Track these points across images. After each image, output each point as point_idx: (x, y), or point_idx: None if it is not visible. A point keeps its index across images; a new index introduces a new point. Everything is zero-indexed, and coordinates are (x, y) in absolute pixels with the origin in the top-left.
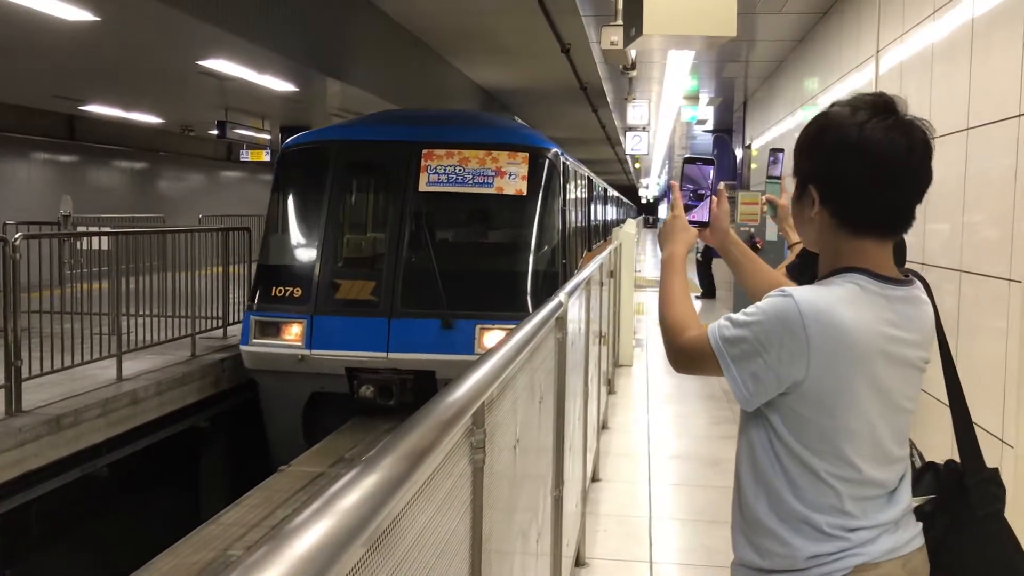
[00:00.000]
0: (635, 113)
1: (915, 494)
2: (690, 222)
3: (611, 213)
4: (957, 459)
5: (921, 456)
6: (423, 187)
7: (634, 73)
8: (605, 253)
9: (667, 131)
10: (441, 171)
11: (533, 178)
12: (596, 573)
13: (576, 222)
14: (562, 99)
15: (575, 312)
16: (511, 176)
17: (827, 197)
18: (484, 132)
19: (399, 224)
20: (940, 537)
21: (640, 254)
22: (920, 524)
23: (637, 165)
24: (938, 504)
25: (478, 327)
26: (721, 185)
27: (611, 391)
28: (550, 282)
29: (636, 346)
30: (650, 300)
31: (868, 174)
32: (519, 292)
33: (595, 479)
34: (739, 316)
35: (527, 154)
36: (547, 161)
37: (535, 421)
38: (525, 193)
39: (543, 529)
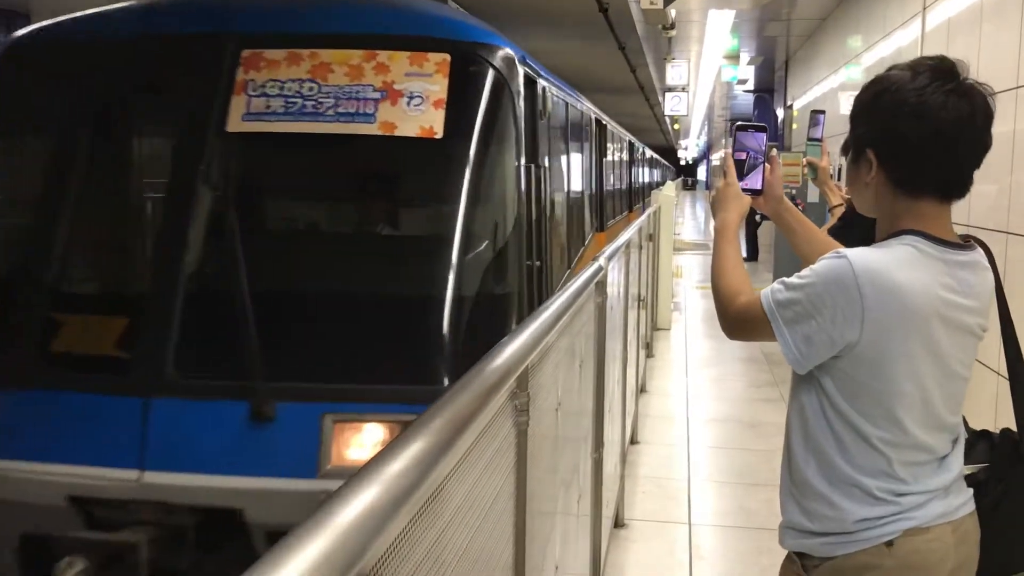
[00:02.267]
0: (674, 73)
1: (968, 462)
2: (744, 189)
3: (642, 175)
4: (1005, 426)
5: (966, 422)
6: (236, 125)
7: (673, 33)
8: (635, 225)
9: (707, 91)
10: (275, 92)
11: (460, 105)
12: (635, 534)
13: (566, 194)
14: (599, 60)
15: (614, 276)
16: (414, 101)
17: (885, 160)
18: (364, 17)
19: (184, 201)
20: (993, 505)
21: (679, 217)
22: (971, 491)
23: (676, 126)
24: (992, 472)
25: (328, 419)
26: (774, 152)
27: (649, 355)
28: (496, 317)
29: (674, 310)
30: (688, 263)
31: (927, 138)
32: (423, 345)
33: (634, 442)
34: (792, 279)
35: (447, 57)
36: (493, 73)
37: (575, 384)
38: (441, 135)
39: (583, 491)
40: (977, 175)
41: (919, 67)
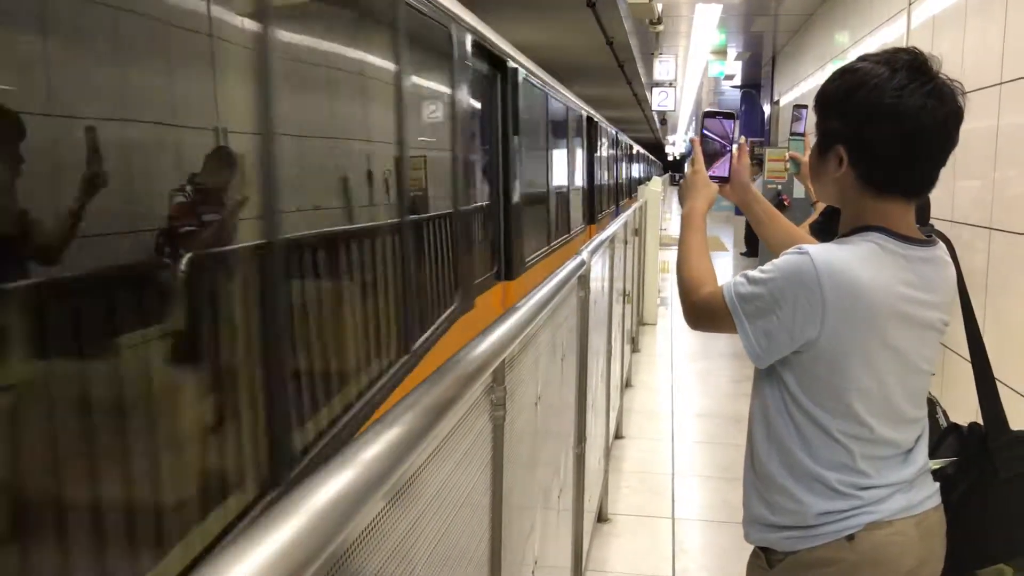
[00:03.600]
0: (662, 69)
1: (938, 456)
2: (711, 177)
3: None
4: (973, 420)
5: (946, 415)
6: None
7: (660, 28)
8: (620, 220)
9: (694, 87)
10: None
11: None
12: (619, 528)
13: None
14: (588, 54)
15: (598, 270)
16: None
17: (856, 159)
18: None
19: None
20: (962, 499)
21: (666, 212)
22: (936, 484)
23: (664, 121)
24: (960, 466)
25: None
26: (742, 139)
27: (635, 349)
28: None
29: (661, 304)
30: (675, 258)
31: (903, 141)
32: None
33: (619, 436)
34: (755, 273)
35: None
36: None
37: (557, 378)
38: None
39: (565, 485)
40: (960, 171)
41: (895, 63)
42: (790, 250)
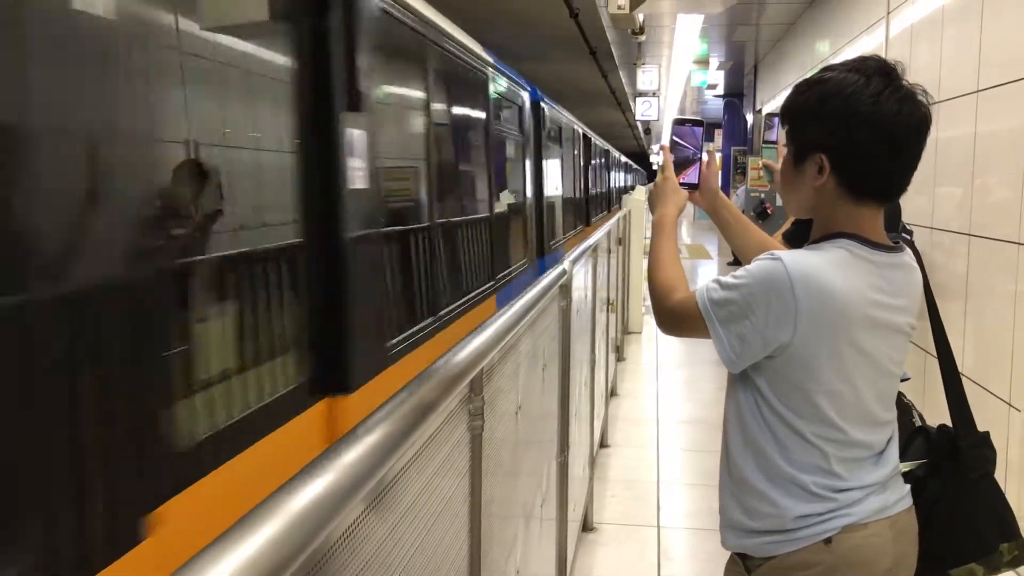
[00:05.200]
0: (645, 78)
1: (906, 458)
2: (681, 184)
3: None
4: (941, 422)
5: (922, 417)
6: None
7: (643, 38)
8: (603, 229)
9: (677, 96)
10: None
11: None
12: (604, 537)
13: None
14: (571, 64)
15: (581, 279)
16: None
17: (838, 166)
18: None
19: None
20: (933, 499)
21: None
22: (907, 486)
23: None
24: (930, 468)
25: None
26: (710, 146)
27: (620, 358)
28: None
29: (646, 313)
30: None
31: (882, 146)
32: None
33: (604, 445)
34: (727, 279)
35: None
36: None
37: (538, 388)
38: None
39: (548, 494)
40: (940, 178)
41: (866, 70)
42: (762, 256)
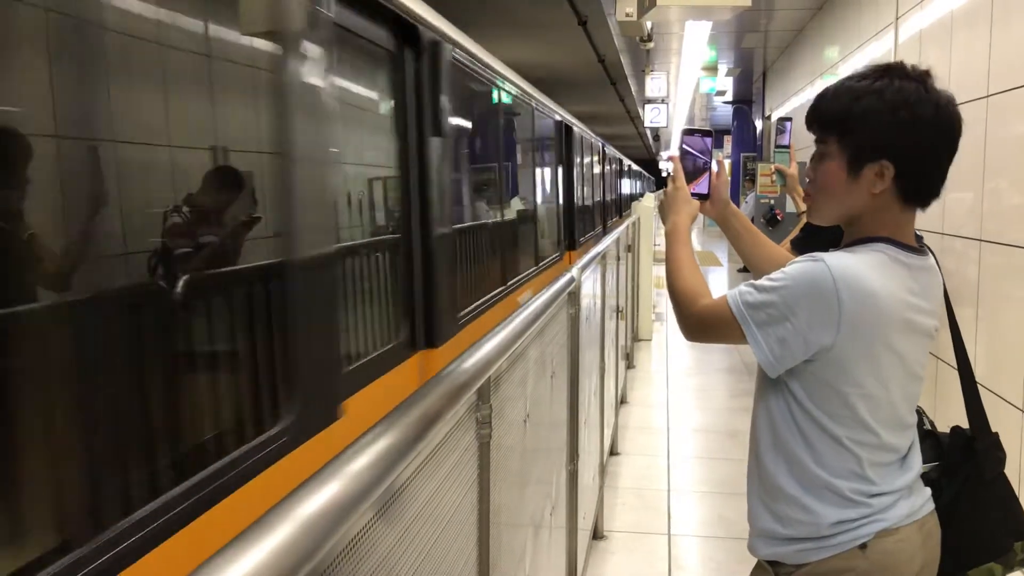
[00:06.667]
0: (653, 85)
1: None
2: (692, 194)
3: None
4: (955, 424)
5: (932, 423)
6: None
7: (651, 45)
8: (612, 236)
9: (686, 103)
10: None
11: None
12: (614, 545)
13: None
14: (580, 72)
15: (589, 287)
16: None
17: (903, 172)
18: None
19: None
20: (950, 502)
21: (660, 228)
22: (929, 489)
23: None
24: (946, 470)
25: None
26: (719, 155)
27: (630, 365)
28: None
29: (655, 320)
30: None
31: (945, 150)
32: None
33: (614, 453)
34: (763, 282)
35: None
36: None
37: (547, 396)
38: None
39: (558, 503)
40: (951, 183)
41: (915, 76)
42: (802, 258)
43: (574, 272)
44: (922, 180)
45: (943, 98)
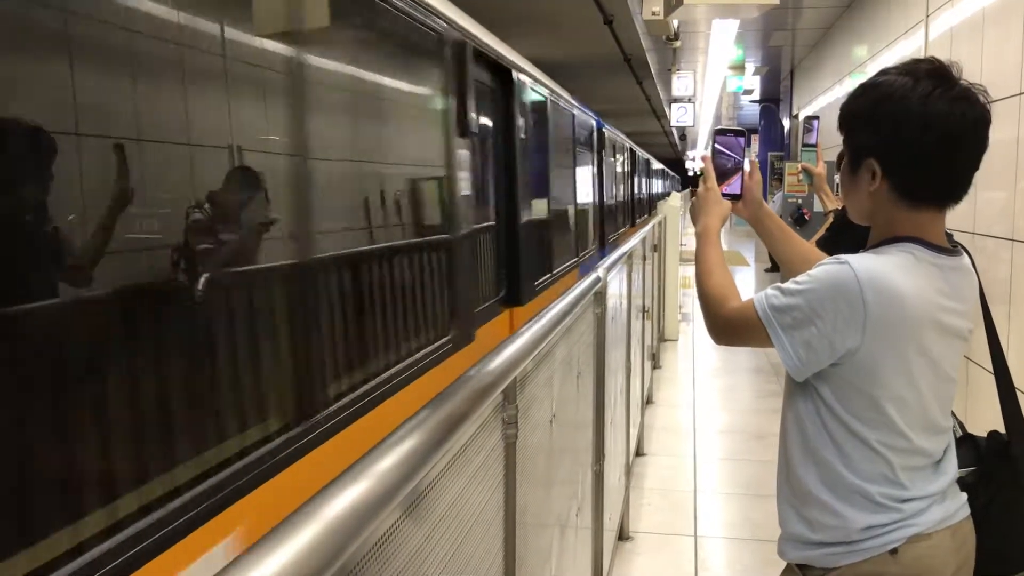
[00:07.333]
0: (680, 84)
1: None
2: (724, 195)
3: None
4: (992, 429)
5: (963, 426)
6: None
7: (678, 44)
8: (638, 236)
9: (713, 102)
10: None
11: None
12: (640, 546)
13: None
14: (606, 71)
15: (615, 287)
16: None
17: (889, 171)
18: None
19: None
20: (985, 507)
21: (687, 228)
22: (964, 495)
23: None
24: (981, 475)
25: None
26: (752, 156)
27: (656, 366)
28: None
29: (682, 320)
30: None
31: (934, 147)
32: None
33: (640, 453)
34: (789, 285)
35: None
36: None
37: (573, 396)
38: None
39: (583, 503)
40: (982, 183)
41: (917, 72)
42: (827, 260)
43: (600, 272)
44: (912, 178)
45: (945, 94)
